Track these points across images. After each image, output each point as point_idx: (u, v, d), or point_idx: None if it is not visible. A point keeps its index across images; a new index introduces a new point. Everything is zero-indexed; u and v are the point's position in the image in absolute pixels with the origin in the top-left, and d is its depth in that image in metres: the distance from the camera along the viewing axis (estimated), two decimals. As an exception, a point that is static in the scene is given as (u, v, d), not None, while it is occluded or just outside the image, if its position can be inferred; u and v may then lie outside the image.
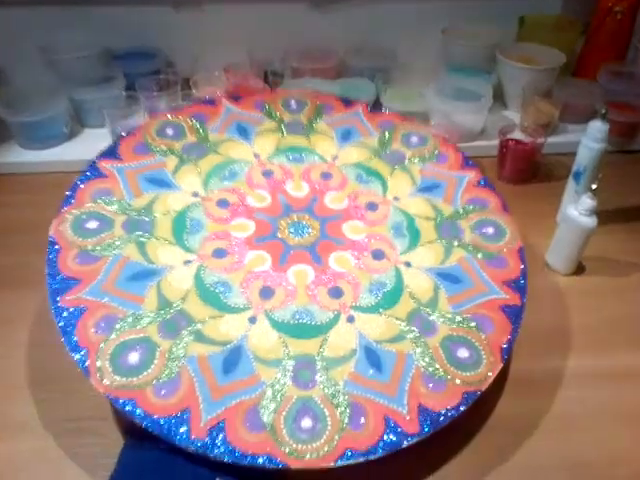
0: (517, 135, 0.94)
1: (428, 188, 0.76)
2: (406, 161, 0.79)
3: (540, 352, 0.68)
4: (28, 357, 0.67)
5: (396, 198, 0.74)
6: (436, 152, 0.80)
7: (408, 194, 0.75)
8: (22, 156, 0.96)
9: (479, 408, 0.60)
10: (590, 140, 0.77)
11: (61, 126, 0.97)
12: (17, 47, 1.02)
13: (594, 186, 0.71)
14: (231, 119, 0.80)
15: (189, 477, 0.53)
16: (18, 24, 1.02)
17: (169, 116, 0.78)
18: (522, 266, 0.68)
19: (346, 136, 0.81)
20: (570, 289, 0.77)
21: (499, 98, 1.07)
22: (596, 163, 0.78)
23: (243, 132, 0.79)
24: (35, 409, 0.62)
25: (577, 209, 0.73)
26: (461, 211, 0.74)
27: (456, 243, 0.70)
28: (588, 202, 0.72)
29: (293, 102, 0.84)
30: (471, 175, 0.77)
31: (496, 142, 0.95)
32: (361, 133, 0.81)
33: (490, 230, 0.72)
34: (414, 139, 0.81)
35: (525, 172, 0.94)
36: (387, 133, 0.81)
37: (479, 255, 0.69)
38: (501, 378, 0.64)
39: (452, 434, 0.58)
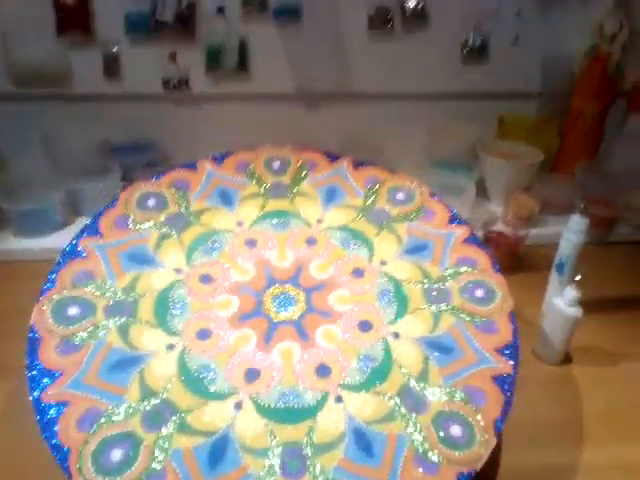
0: (500, 227, 0.98)
1: (415, 249, 0.74)
2: (392, 220, 0.77)
3: (530, 444, 0.68)
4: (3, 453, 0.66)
5: (383, 262, 0.73)
6: (423, 209, 0.79)
7: (395, 256, 0.74)
8: (15, 244, 0.99)
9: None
10: (571, 233, 0.80)
11: (56, 215, 1.01)
12: (18, 138, 1.08)
13: (578, 277, 0.75)
14: (213, 184, 0.79)
15: None
16: (21, 117, 1.08)
17: (149, 186, 0.77)
18: (513, 331, 0.67)
19: (331, 197, 0.79)
20: (557, 379, 0.78)
21: (482, 192, 1.13)
22: (578, 254, 0.80)
23: (226, 199, 0.78)
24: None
25: (562, 300, 0.76)
26: (450, 273, 0.72)
27: (445, 308, 0.69)
28: (573, 293, 0.75)
29: (276, 162, 0.83)
30: (459, 232, 0.76)
31: (479, 234, 0.96)
32: (346, 192, 0.80)
33: (480, 292, 0.70)
34: (400, 195, 0.80)
35: (508, 263, 0.96)
36: (373, 191, 0.80)
37: (469, 321, 0.68)
38: (493, 470, 0.64)
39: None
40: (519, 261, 0.99)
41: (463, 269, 0.72)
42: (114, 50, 1.02)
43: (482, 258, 0.74)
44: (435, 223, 0.77)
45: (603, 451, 0.68)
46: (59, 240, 0.70)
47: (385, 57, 1.12)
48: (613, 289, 0.95)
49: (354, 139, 1.13)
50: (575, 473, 0.65)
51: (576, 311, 0.75)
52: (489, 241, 0.97)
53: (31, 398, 0.57)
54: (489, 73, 1.16)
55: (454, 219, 0.78)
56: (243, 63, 1.08)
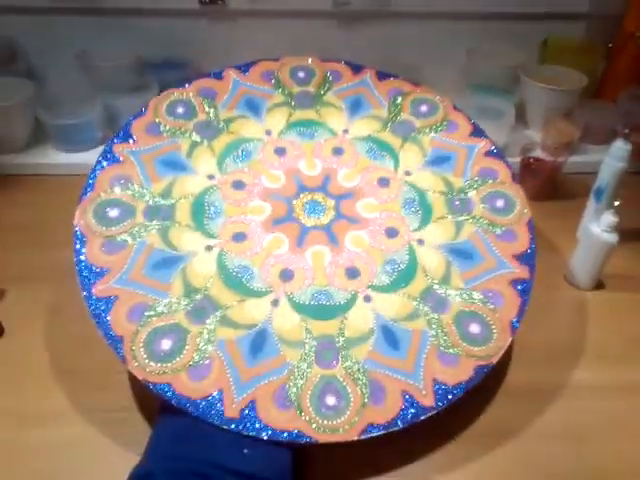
0: (538, 153, 0.96)
1: (438, 160, 0.77)
2: (416, 131, 0.79)
3: (554, 363, 0.71)
4: (56, 348, 0.71)
5: (407, 172, 0.76)
6: (446, 121, 0.80)
7: (419, 167, 0.76)
8: (56, 158, 1.01)
9: (483, 410, 0.65)
10: (613, 159, 0.79)
11: (95, 130, 1.01)
12: (56, 54, 1.07)
13: (617, 203, 0.73)
14: (240, 93, 0.80)
15: (221, 441, 0.57)
16: (57, 32, 1.07)
17: (177, 93, 0.78)
18: (531, 238, 0.71)
19: (356, 107, 0.81)
20: (588, 304, 0.79)
21: (521, 117, 1.09)
22: (617, 182, 0.80)
23: (253, 107, 0.79)
24: (68, 399, 0.65)
25: (599, 225, 0.75)
26: (472, 183, 0.75)
27: (467, 218, 0.72)
28: (610, 219, 0.74)
29: (301, 72, 0.83)
30: (481, 144, 0.78)
31: (517, 160, 0.96)
32: (370, 103, 0.81)
33: (500, 203, 0.73)
34: (423, 108, 0.81)
35: (545, 190, 0.96)
36: (396, 102, 0.81)
37: (489, 229, 0.71)
38: (516, 386, 0.68)
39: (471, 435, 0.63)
40: (557, 188, 0.98)
41: (484, 180, 0.75)
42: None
43: (503, 170, 0.77)
44: (458, 135, 0.79)
45: (626, 373, 0.71)
46: (98, 154, 0.72)
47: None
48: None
49: (390, 59, 1.09)
50: (595, 391, 0.68)
51: (612, 237, 0.75)
52: (527, 167, 0.96)
53: (83, 293, 0.61)
54: None
55: (476, 132, 0.79)
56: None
